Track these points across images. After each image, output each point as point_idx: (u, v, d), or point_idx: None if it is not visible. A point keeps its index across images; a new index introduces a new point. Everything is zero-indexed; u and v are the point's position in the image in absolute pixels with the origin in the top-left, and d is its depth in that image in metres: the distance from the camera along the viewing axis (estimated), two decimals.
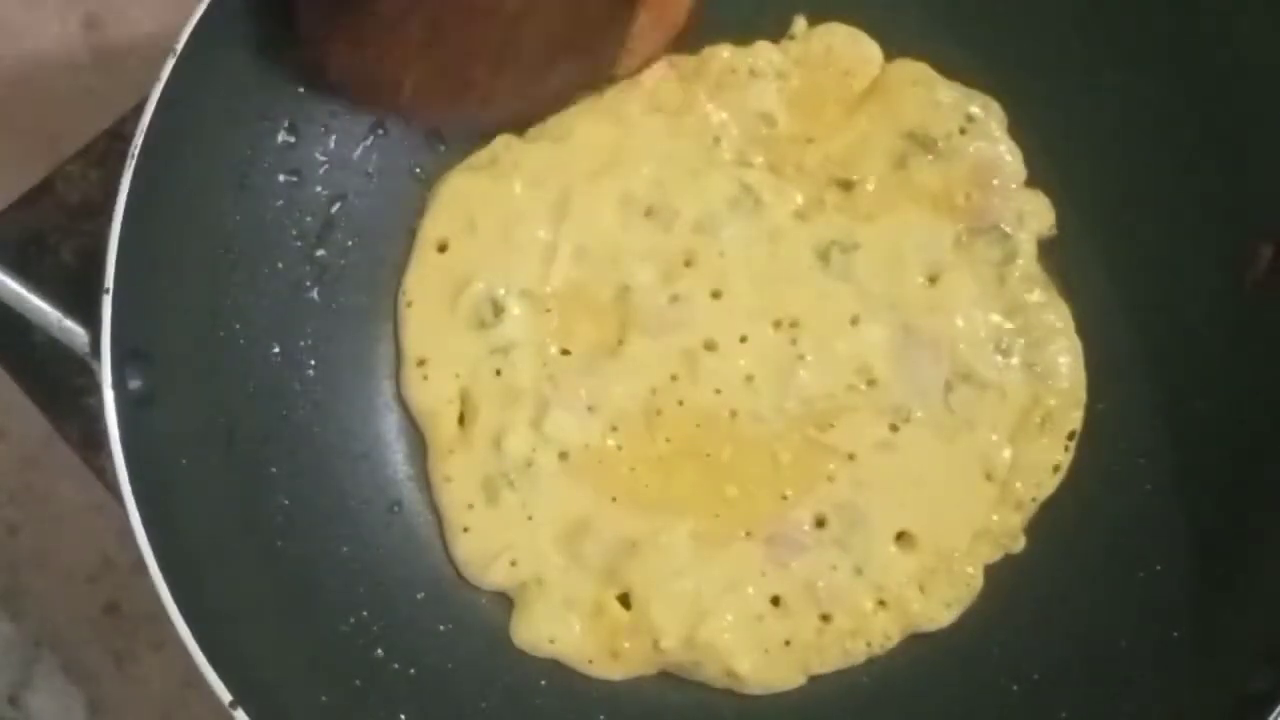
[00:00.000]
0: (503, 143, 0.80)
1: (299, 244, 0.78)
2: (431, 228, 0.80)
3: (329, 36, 0.72)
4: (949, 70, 0.80)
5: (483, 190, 0.80)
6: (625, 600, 0.76)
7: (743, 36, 0.80)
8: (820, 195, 0.79)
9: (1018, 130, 0.79)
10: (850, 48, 0.80)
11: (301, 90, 0.76)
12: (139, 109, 0.68)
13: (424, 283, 0.80)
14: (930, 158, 0.79)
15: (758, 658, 0.75)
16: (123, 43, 0.89)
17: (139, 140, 0.67)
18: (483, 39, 0.73)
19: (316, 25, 0.72)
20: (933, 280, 0.78)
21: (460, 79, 0.75)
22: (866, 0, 0.80)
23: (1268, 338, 0.73)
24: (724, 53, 0.80)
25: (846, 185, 0.79)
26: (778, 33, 0.81)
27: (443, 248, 0.80)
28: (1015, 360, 0.77)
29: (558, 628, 0.76)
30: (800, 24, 0.81)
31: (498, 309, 0.78)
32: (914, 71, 0.80)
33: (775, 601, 0.76)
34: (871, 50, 0.80)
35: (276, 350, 0.76)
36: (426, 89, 0.74)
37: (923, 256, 0.78)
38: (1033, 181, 0.79)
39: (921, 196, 0.79)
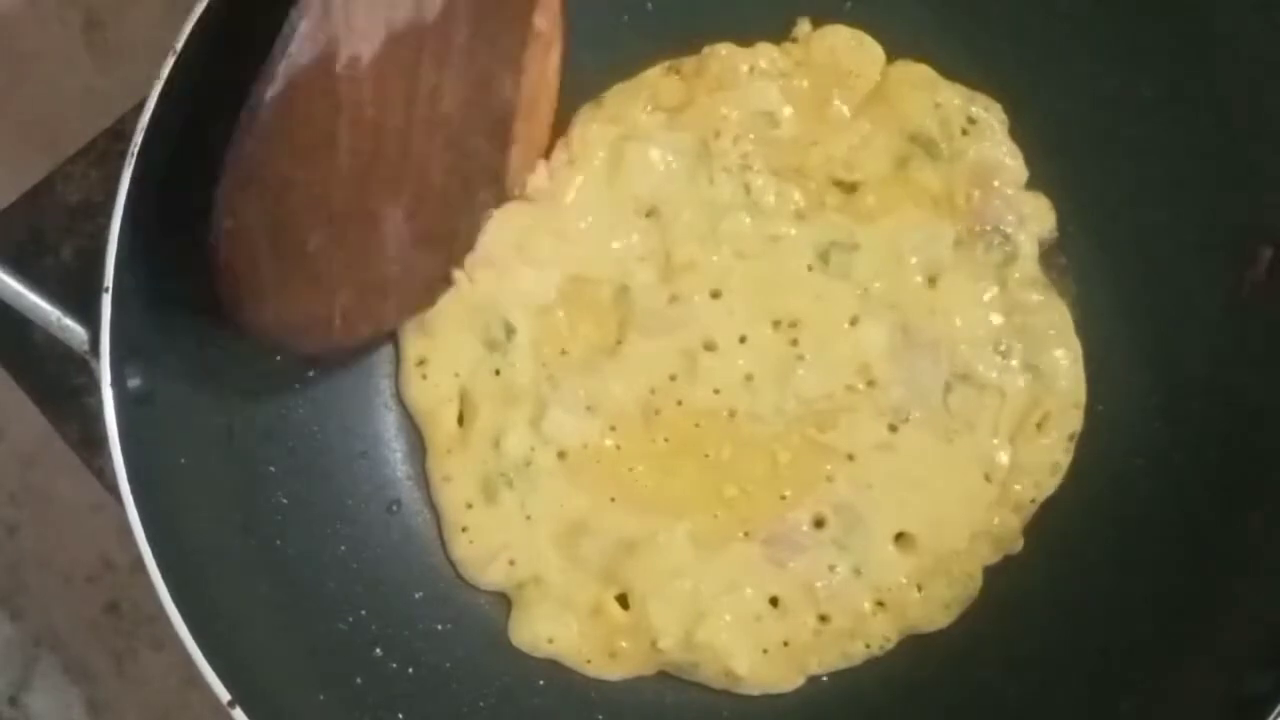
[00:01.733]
0: None
1: None
2: None
3: (261, 291, 0.69)
4: (951, 72, 0.80)
5: None
6: (624, 600, 0.77)
7: (744, 37, 0.80)
8: (821, 196, 0.79)
9: (1019, 132, 0.79)
10: (852, 50, 0.80)
11: None
12: (139, 109, 0.67)
13: None
14: (931, 159, 0.79)
15: (756, 658, 0.75)
16: (123, 43, 0.89)
17: (139, 139, 0.67)
18: (383, 248, 0.73)
19: (251, 283, 0.68)
20: (933, 281, 0.78)
21: (377, 295, 0.74)
22: (870, 2, 0.80)
23: (1268, 338, 0.73)
24: (723, 51, 0.80)
25: (848, 186, 0.79)
26: (781, 35, 0.81)
27: None
28: (1015, 361, 0.77)
29: (556, 627, 0.76)
30: (804, 26, 0.80)
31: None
32: (916, 73, 0.80)
33: (774, 602, 0.76)
34: (874, 52, 0.80)
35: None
36: (352, 313, 0.73)
37: (923, 257, 0.78)
38: (1034, 183, 0.79)
39: (922, 197, 0.79)
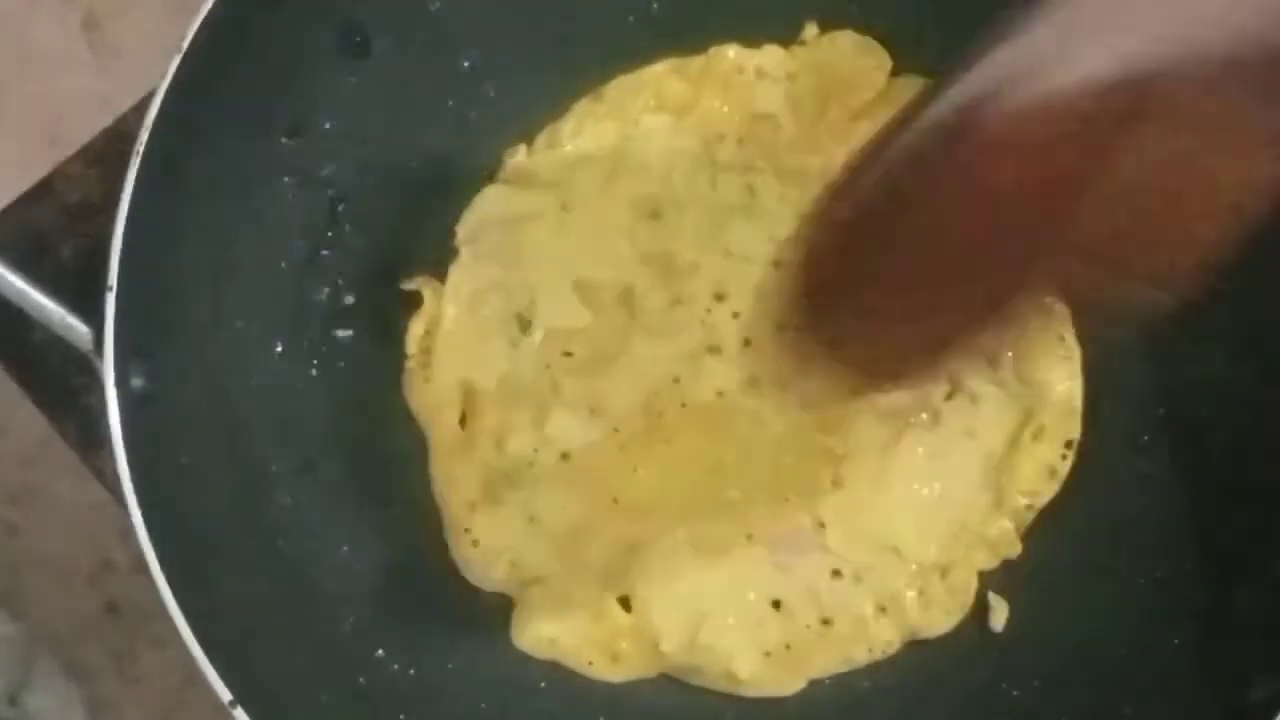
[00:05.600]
0: (510, 151, 0.81)
1: (302, 243, 0.78)
2: None
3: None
4: None
5: (492, 197, 0.80)
6: (626, 602, 0.76)
7: (751, 38, 0.80)
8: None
9: None
10: (860, 57, 0.80)
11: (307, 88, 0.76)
12: (139, 108, 0.68)
13: None
14: None
15: (758, 661, 0.75)
16: (123, 42, 0.89)
17: (144, 137, 0.67)
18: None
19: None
20: None
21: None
22: (880, 11, 0.80)
23: (1268, 338, 0.73)
24: (729, 52, 0.80)
25: None
26: (788, 37, 0.81)
27: None
28: (1011, 371, 0.77)
29: (558, 629, 0.76)
30: (811, 30, 0.81)
31: None
32: (920, 85, 0.80)
33: (776, 605, 0.76)
34: (881, 59, 0.80)
35: (279, 349, 0.77)
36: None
37: None
38: None
39: None
